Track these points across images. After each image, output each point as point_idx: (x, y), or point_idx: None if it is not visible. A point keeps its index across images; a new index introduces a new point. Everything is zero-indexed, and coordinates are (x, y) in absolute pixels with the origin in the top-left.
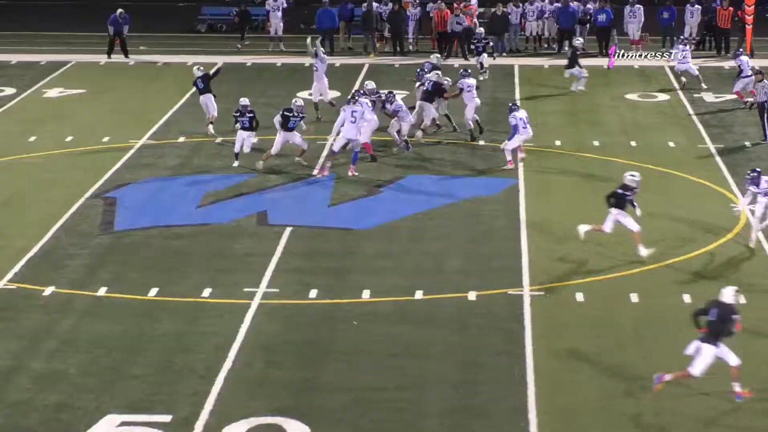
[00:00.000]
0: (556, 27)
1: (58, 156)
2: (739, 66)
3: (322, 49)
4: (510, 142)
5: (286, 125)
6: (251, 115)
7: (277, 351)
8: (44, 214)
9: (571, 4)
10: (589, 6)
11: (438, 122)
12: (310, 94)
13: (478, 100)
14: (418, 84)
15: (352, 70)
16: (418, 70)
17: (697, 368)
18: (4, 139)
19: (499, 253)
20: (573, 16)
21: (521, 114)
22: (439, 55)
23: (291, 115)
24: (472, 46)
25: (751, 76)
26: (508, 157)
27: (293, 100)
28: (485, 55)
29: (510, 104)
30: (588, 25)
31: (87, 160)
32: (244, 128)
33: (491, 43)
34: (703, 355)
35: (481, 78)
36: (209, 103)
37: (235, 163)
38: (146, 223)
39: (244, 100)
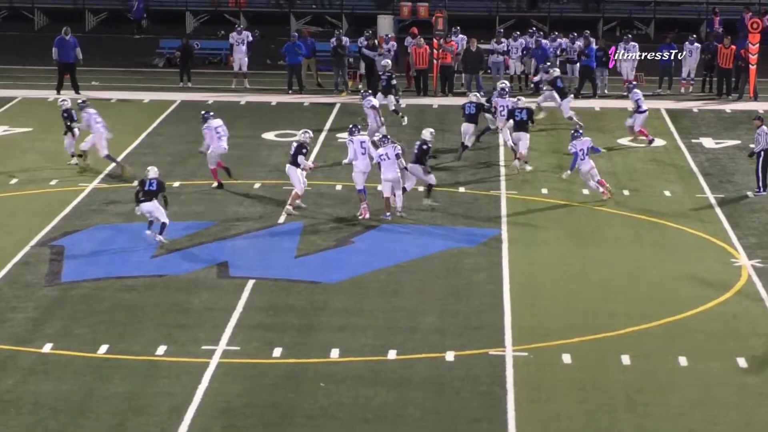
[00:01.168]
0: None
1: (1, 200)
2: (636, 101)
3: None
4: (569, 173)
5: (296, 160)
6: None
7: (237, 414)
8: None
9: (543, 41)
10: (562, 42)
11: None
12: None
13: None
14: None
15: (322, 109)
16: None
17: None
18: None
19: (479, 310)
20: (545, 55)
21: (583, 144)
22: (508, 82)
23: (305, 150)
24: (383, 83)
25: (645, 111)
26: (593, 186)
27: (302, 132)
28: (391, 97)
29: (572, 131)
30: (577, 65)
31: (33, 204)
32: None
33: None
34: None
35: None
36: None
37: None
38: (96, 274)
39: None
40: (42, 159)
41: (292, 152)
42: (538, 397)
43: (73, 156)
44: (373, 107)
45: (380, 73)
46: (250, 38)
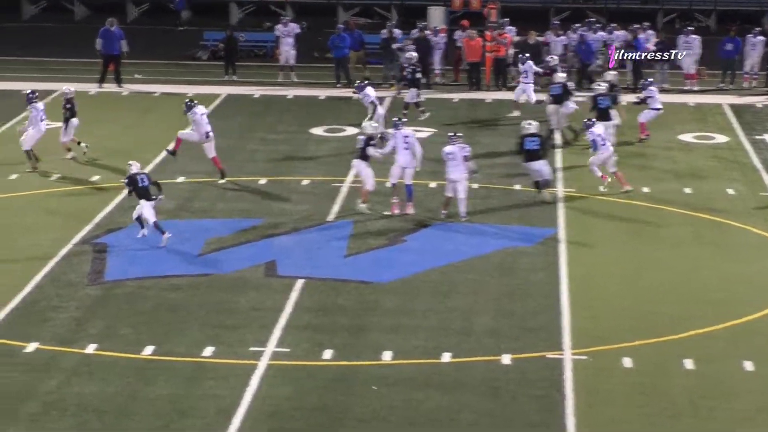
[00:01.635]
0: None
1: (43, 197)
2: (646, 96)
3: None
4: (593, 159)
5: (365, 153)
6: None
7: (286, 418)
8: (27, 262)
9: (596, 34)
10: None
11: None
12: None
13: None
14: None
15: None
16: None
17: None
18: None
19: (536, 312)
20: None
21: (598, 129)
22: (615, 73)
23: (374, 142)
24: (408, 76)
25: (660, 109)
26: (598, 173)
27: (369, 124)
28: (415, 90)
29: (585, 120)
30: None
31: (75, 202)
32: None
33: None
34: None
35: (422, 117)
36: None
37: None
38: (140, 273)
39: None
40: (83, 154)
41: (360, 146)
42: (598, 401)
43: (69, 150)
44: (372, 102)
45: (404, 65)
46: (297, 30)
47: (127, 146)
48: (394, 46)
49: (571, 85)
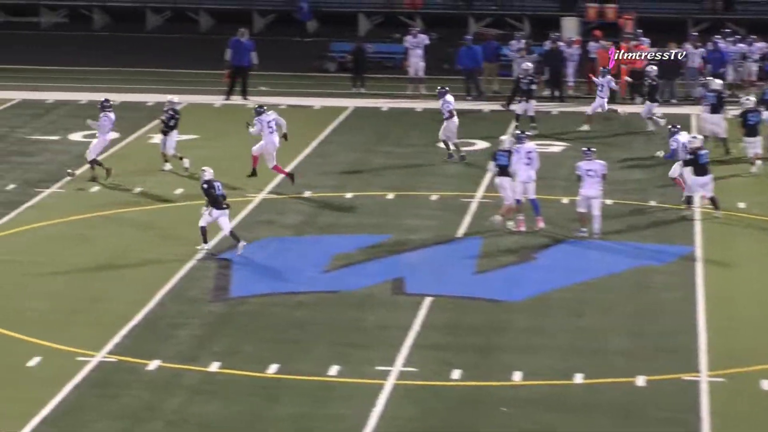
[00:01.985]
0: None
1: (166, 210)
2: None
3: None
4: (674, 168)
5: (505, 169)
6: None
7: None
8: (149, 277)
9: (735, 46)
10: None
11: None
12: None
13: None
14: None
15: (502, 117)
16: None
17: None
18: (105, 189)
19: (671, 332)
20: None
21: (683, 138)
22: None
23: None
24: (523, 87)
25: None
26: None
27: (508, 137)
28: (533, 102)
29: (669, 126)
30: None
31: (198, 215)
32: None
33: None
34: None
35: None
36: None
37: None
38: (265, 290)
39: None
40: (210, 166)
41: (498, 162)
42: (736, 426)
43: (166, 160)
44: (450, 111)
45: (520, 76)
46: (427, 41)
47: (251, 161)
48: (508, 52)
49: (725, 94)
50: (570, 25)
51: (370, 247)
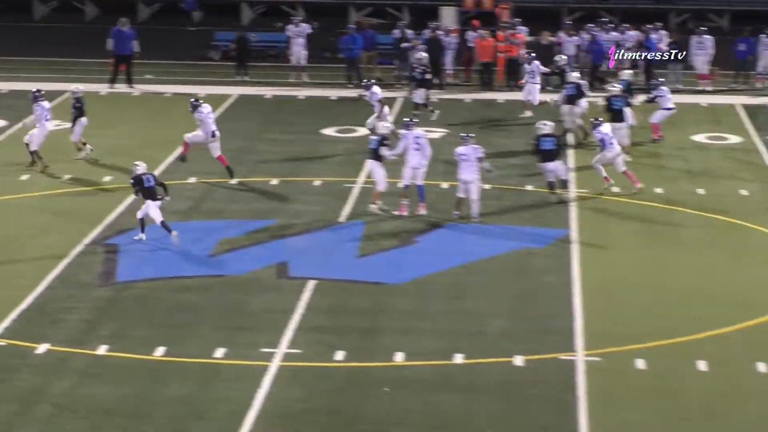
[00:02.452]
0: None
1: (55, 197)
2: (656, 95)
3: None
4: (599, 157)
5: (378, 154)
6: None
7: (298, 420)
8: (38, 263)
9: (608, 35)
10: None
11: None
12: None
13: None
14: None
15: (385, 103)
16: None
17: None
18: None
19: (549, 314)
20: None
21: (606, 129)
22: (631, 72)
23: (387, 143)
24: (417, 76)
25: (672, 108)
26: (603, 173)
27: (383, 124)
28: (423, 90)
29: (592, 120)
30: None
31: (86, 202)
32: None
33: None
34: None
35: (432, 117)
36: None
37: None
38: (152, 274)
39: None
40: (95, 155)
41: (373, 146)
42: (611, 404)
43: (79, 149)
44: (379, 101)
45: (414, 65)
46: (309, 30)
47: (137, 147)
48: (403, 45)
49: (584, 84)
50: (448, 15)
51: (255, 232)
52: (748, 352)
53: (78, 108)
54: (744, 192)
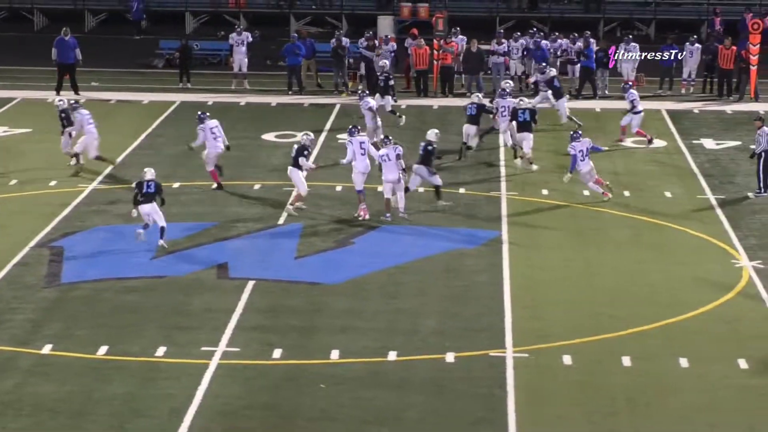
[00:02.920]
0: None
1: (1, 201)
2: (632, 101)
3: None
4: (569, 175)
5: (297, 162)
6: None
7: (237, 416)
8: None
9: (542, 42)
10: (562, 42)
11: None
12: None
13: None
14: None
15: (323, 111)
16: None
17: None
18: None
19: (480, 312)
20: (544, 56)
21: (582, 145)
22: (510, 82)
23: (307, 152)
24: (381, 83)
25: (641, 112)
26: (598, 189)
27: (303, 135)
28: (389, 97)
29: (572, 132)
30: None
31: (32, 205)
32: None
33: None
34: None
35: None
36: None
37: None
38: (96, 276)
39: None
40: (41, 160)
41: (293, 154)
42: (539, 398)
43: (73, 156)
44: (370, 108)
45: (378, 73)
46: (250, 39)
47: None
48: (365, 53)
49: (490, 105)
50: (385, 24)
51: (196, 234)
52: (669, 348)
53: (64, 119)
54: (668, 194)
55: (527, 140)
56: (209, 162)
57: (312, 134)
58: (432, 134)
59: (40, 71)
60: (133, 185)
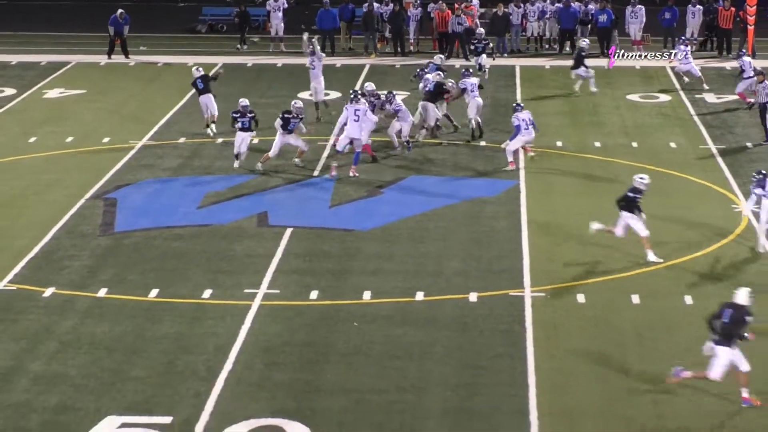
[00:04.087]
0: (557, 28)
1: (59, 157)
2: (741, 67)
3: (318, 46)
4: (512, 143)
5: (285, 127)
6: (251, 115)
7: (277, 352)
8: (45, 215)
9: (573, 4)
10: (590, 6)
11: (439, 123)
12: (310, 95)
13: (480, 100)
14: (421, 85)
15: (353, 70)
16: (419, 70)
17: (715, 372)
18: (4, 140)
19: (500, 255)
20: (574, 17)
21: (524, 115)
22: (442, 56)
23: (291, 117)
24: (473, 47)
25: (753, 77)
26: (510, 158)
27: (293, 102)
28: (484, 56)
29: (514, 105)
30: (590, 26)
31: (87, 161)
32: (243, 129)
33: (491, 44)
34: (719, 358)
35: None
36: (209, 103)
37: (236, 164)
38: (147, 225)
39: (244, 101)
40: (95, 119)
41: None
42: (555, 334)
43: (207, 125)
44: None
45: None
46: (286, 5)
47: (133, 112)
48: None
49: (450, 84)
50: None
51: (237, 186)
52: (675, 286)
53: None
54: (673, 144)
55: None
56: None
57: (300, 101)
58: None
59: (92, 37)
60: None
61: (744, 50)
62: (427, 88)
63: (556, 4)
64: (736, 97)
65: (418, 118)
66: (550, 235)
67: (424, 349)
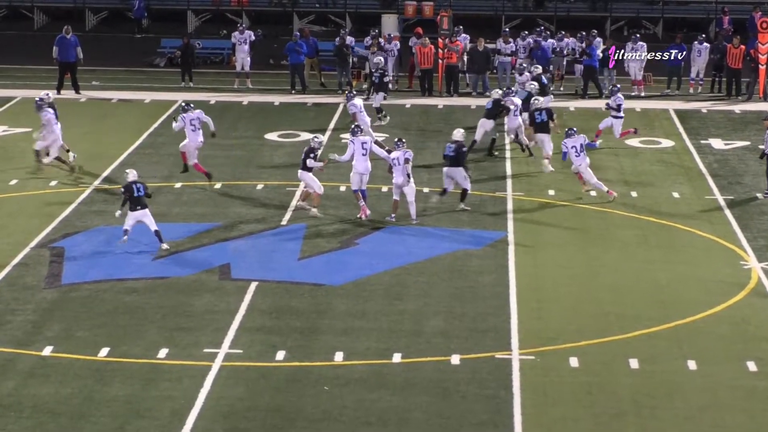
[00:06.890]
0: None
1: (1, 201)
2: (618, 105)
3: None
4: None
5: (306, 164)
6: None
7: (240, 418)
8: None
9: (546, 42)
10: (567, 41)
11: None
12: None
13: (519, 120)
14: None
15: (326, 109)
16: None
17: None
18: None
19: (485, 313)
20: (545, 58)
21: (572, 142)
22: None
23: (314, 155)
24: (374, 78)
25: (622, 117)
26: (603, 188)
27: (313, 138)
28: (382, 93)
29: (567, 129)
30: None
31: (33, 205)
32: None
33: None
34: None
35: (382, 122)
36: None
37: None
38: (97, 276)
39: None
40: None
41: (302, 157)
42: (545, 401)
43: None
44: (360, 110)
45: (372, 70)
46: (253, 38)
47: (85, 151)
48: (360, 52)
49: (510, 101)
50: (390, 22)
51: (198, 235)
52: (677, 349)
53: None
54: (676, 195)
55: (547, 141)
56: (190, 155)
57: (321, 137)
58: (459, 134)
59: (40, 70)
60: (121, 189)
61: (619, 86)
62: (487, 106)
63: (527, 39)
64: (745, 143)
65: (480, 136)
66: (541, 291)
67: (400, 415)
